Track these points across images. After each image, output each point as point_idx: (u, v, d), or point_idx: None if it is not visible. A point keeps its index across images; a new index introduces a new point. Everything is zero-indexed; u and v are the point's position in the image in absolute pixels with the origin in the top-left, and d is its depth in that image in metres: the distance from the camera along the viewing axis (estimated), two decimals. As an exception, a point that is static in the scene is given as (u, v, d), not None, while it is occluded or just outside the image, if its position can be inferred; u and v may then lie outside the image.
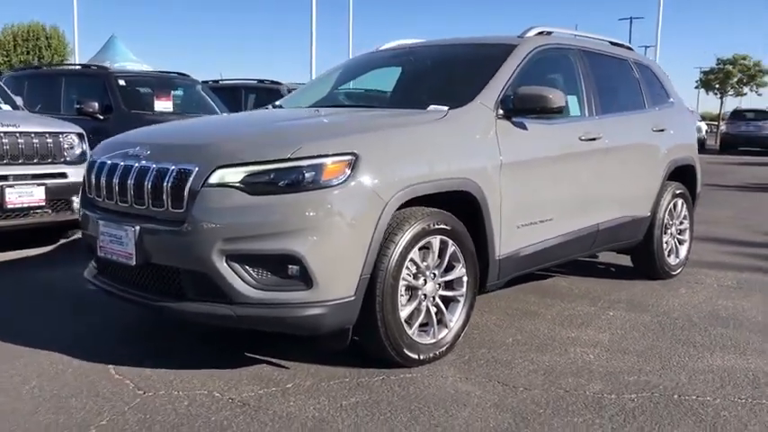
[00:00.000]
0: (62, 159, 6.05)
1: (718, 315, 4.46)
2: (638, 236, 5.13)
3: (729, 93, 47.29)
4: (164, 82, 8.99)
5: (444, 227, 3.37)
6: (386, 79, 4.73)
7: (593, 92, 4.61)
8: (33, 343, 3.62)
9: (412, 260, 3.27)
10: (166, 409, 2.85)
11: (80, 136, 6.29)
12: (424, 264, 3.35)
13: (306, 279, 2.96)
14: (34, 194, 5.76)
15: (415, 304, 3.33)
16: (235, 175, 2.98)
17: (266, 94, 11.01)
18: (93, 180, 3.51)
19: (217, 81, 11.84)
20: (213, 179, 2.99)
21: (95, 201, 3.53)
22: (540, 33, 4.51)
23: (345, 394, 3.04)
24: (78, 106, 8.01)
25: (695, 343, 3.89)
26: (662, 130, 5.24)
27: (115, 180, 3.32)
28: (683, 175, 5.56)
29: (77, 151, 6.23)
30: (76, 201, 5.99)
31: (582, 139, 4.34)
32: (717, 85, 47.92)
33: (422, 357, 3.35)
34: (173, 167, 3.09)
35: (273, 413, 2.84)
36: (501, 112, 3.80)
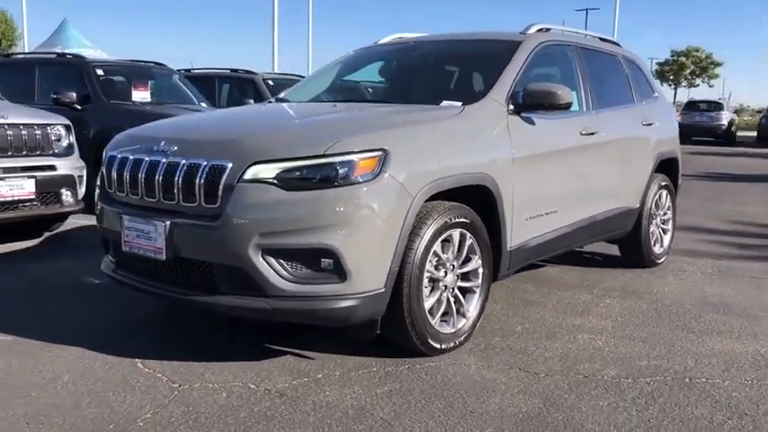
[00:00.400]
0: (50, 152, 5.97)
1: (708, 301, 4.68)
2: (628, 226, 5.32)
3: (683, 84, 48.90)
4: (141, 71, 8.87)
5: (464, 220, 3.48)
6: (391, 73, 4.80)
7: (590, 87, 4.77)
8: (49, 338, 3.61)
9: (435, 252, 3.37)
10: (207, 402, 2.90)
11: (67, 128, 6.20)
12: (445, 256, 3.45)
13: (339, 272, 3.03)
14: (24, 187, 5.67)
15: (437, 295, 3.43)
16: (269, 170, 3.03)
17: (240, 84, 10.95)
18: (115, 175, 3.50)
19: (189, 70, 11.69)
20: (248, 175, 3.03)
21: (116, 195, 3.53)
22: (540, 30, 4.63)
23: (377, 383, 3.14)
24: (55, 96, 7.84)
25: (692, 329, 4.08)
26: (650, 124, 5.44)
27: (141, 175, 3.33)
28: (667, 167, 5.78)
29: (65, 143, 6.15)
30: (65, 193, 5.96)
31: (582, 134, 4.50)
32: (671, 77, 49.50)
33: (443, 347, 3.46)
34: (204, 163, 3.12)
35: (313, 403, 2.92)
36: (511, 107, 3.92)
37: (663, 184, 5.67)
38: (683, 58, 47.92)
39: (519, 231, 3.94)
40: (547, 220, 4.22)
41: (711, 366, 3.46)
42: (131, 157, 3.43)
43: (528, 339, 3.81)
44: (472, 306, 3.64)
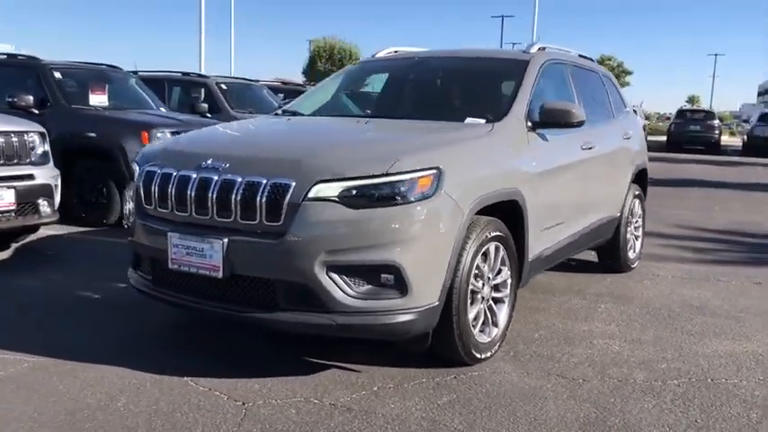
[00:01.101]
0: (28, 160, 5.75)
1: (691, 305, 5.02)
2: (610, 234, 5.63)
3: None
4: (99, 75, 8.58)
5: (499, 233, 3.64)
6: (404, 88, 4.89)
7: (583, 103, 5.03)
8: (81, 356, 3.55)
9: (477, 266, 3.51)
10: (279, 419, 2.94)
11: (42, 135, 5.99)
12: (484, 268, 3.60)
13: (401, 287, 3.12)
14: (4, 198, 5.44)
15: (477, 307, 3.57)
16: (332, 189, 3.09)
17: (192, 87, 10.74)
18: (156, 190, 3.46)
19: (135, 72, 11.35)
20: (312, 193, 3.08)
21: (156, 212, 3.48)
22: (540, 49, 4.86)
23: (433, 394, 3.25)
24: (10, 100, 7.50)
25: (689, 331, 4.40)
26: (629, 137, 5.78)
27: (190, 192, 3.31)
28: (639, 177, 6.14)
29: (40, 151, 5.94)
30: (43, 203, 5.76)
31: (582, 148, 4.75)
32: None
33: (482, 356, 3.61)
34: (265, 181, 3.14)
35: (383, 415, 3.00)
36: (529, 124, 4.11)
37: (636, 193, 6.03)
38: (597, 66, 50.66)
39: (536, 242, 4.14)
40: (556, 230, 4.44)
41: (724, 367, 3.76)
42: (176, 173, 3.40)
43: (550, 346, 4.01)
44: (502, 315, 3.81)
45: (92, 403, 3.04)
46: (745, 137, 29.42)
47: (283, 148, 3.57)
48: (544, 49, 4.96)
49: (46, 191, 5.84)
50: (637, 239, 6.21)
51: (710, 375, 3.62)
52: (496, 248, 3.68)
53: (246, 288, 3.25)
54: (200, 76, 11.03)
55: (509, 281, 3.84)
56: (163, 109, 8.87)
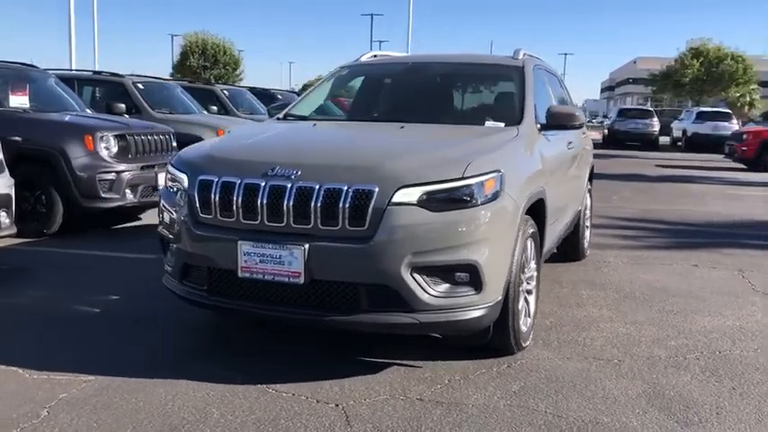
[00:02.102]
0: (-14, 169, 5.34)
1: (655, 287, 5.57)
2: (573, 226, 6.09)
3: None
4: (18, 74, 8.00)
5: (534, 230, 3.92)
6: (409, 92, 5.02)
7: (557, 103, 5.43)
8: (139, 372, 3.46)
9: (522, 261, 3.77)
10: (383, 417, 3.05)
11: (-4, 141, 5.58)
12: (524, 263, 3.86)
13: (476, 284, 3.32)
14: (-31, 210, 5.04)
15: (522, 299, 3.83)
16: (413, 194, 3.23)
17: (106, 87, 10.25)
18: (218, 200, 3.42)
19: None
20: (396, 198, 3.20)
21: (216, 221, 3.44)
22: (524, 54, 5.19)
23: (502, 383, 3.47)
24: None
25: (670, 311, 4.90)
26: (585, 135, 6.27)
27: (262, 200, 3.31)
28: (591, 172, 6.67)
29: (-6, 158, 5.53)
30: (2, 215, 5.40)
31: (568, 148, 5.14)
32: None
33: (525, 345, 3.88)
34: (345, 188, 3.21)
35: (473, 406, 3.19)
36: (538, 126, 4.42)
37: (589, 187, 6.54)
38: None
39: (547, 237, 4.47)
40: (556, 225, 4.80)
41: (720, 341, 4.25)
42: (239, 182, 3.38)
43: (566, 332, 4.34)
44: (532, 306, 4.09)
45: (187, 417, 3.00)
46: (606, 131, 31.85)
47: (356, 155, 3.63)
48: (525, 53, 5.29)
49: (4, 201, 5.46)
50: (587, 230, 6.74)
51: (716, 348, 4.10)
52: (532, 244, 3.95)
53: (326, 292, 3.31)
54: (113, 75, 10.52)
55: (535, 273, 4.13)
56: (89, 110, 8.43)
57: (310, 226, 3.26)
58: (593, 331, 4.37)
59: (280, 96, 16.08)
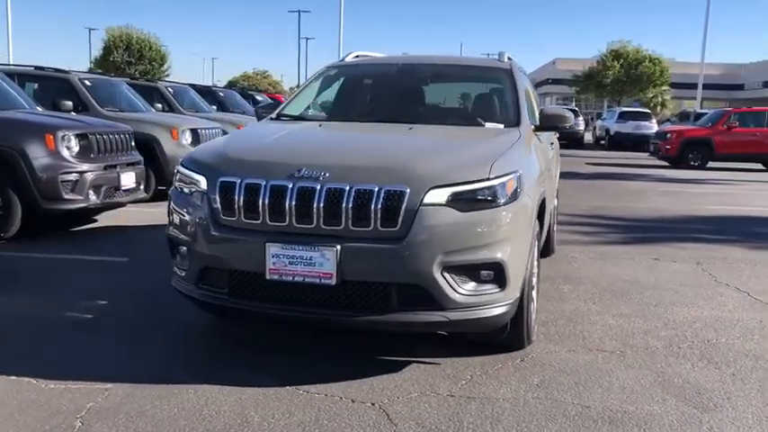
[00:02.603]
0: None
1: (627, 280, 5.83)
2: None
3: None
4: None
5: (538, 229, 4.06)
6: (403, 93, 5.06)
7: (537, 104, 5.62)
8: (162, 376, 3.41)
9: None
10: (423, 414, 3.11)
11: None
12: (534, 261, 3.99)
13: (501, 282, 3.42)
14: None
15: (533, 295, 3.96)
16: (443, 194, 3.29)
17: (51, 84, 9.82)
18: (242, 202, 3.39)
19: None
20: (427, 199, 3.26)
21: (242, 223, 3.40)
22: (507, 57, 5.34)
23: (522, 377, 3.58)
24: None
25: (649, 303, 5.15)
26: (556, 135, 6.49)
27: (290, 202, 3.30)
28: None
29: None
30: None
31: (551, 148, 5.32)
32: None
33: (533, 339, 4.01)
34: (377, 189, 3.25)
35: (503, 399, 3.29)
36: (532, 128, 4.57)
37: (557, 186, 6.78)
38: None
39: (543, 235, 4.62)
40: (548, 223, 4.96)
41: (704, 330, 4.50)
42: (265, 183, 3.36)
43: (562, 325, 4.50)
44: (535, 302, 4.23)
45: (229, 422, 2.97)
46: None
47: (383, 156, 3.65)
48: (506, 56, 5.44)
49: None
50: (555, 226, 6.97)
51: (703, 338, 4.34)
52: (536, 242, 4.08)
53: (357, 293, 3.33)
54: (57, 71, 10.09)
55: (537, 270, 4.27)
56: (39, 108, 8.09)
57: (341, 227, 3.28)
58: (587, 324, 4.54)
59: (221, 94, 15.83)
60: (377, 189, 3.26)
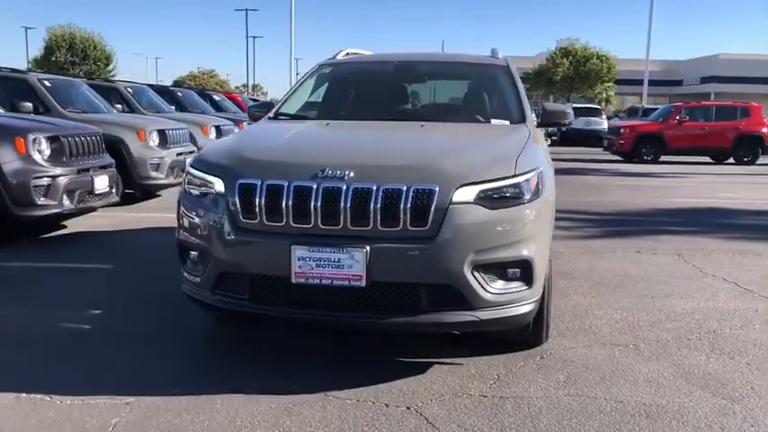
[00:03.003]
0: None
1: (618, 274, 5.90)
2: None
3: None
4: None
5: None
6: (402, 91, 5.00)
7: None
8: (176, 390, 3.27)
9: (547, 256, 3.89)
10: (462, 416, 3.07)
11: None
12: (548, 257, 3.99)
13: (528, 280, 3.39)
14: None
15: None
16: (471, 192, 3.25)
17: (7, 84, 9.39)
18: (264, 204, 3.27)
19: None
20: (456, 197, 3.21)
21: (264, 226, 3.29)
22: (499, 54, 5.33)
23: (548, 374, 3.57)
24: None
25: (646, 296, 5.21)
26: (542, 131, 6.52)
27: (315, 203, 3.21)
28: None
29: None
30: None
31: (548, 144, 5.33)
32: None
33: (549, 335, 4.01)
34: (405, 188, 3.18)
35: (536, 398, 3.27)
36: (535, 123, 4.57)
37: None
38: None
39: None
40: None
41: (707, 321, 4.57)
42: (288, 184, 3.25)
43: (569, 320, 4.52)
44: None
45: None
46: None
47: (409, 155, 3.58)
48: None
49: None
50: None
51: (707, 329, 4.41)
52: None
53: (386, 294, 3.26)
54: (14, 70, 9.68)
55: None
56: (0, 109, 7.74)
57: (369, 228, 3.20)
58: (593, 318, 4.57)
59: (179, 94, 15.46)
60: (405, 188, 3.19)
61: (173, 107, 13.99)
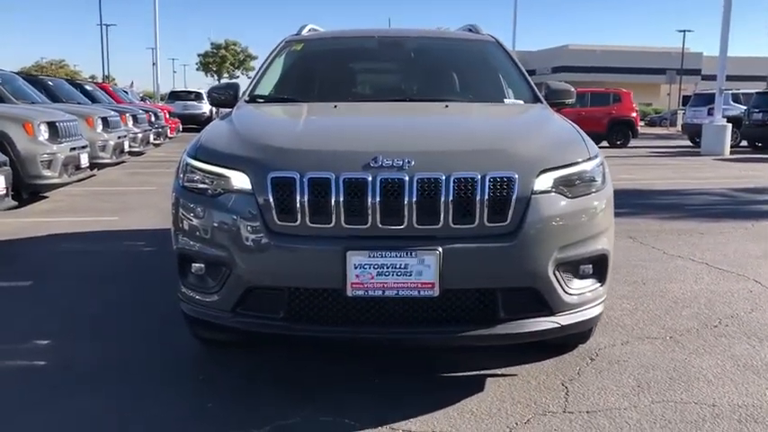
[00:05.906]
0: None
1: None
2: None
3: (225, 75, 51.71)
4: None
5: None
6: (394, 68, 4.44)
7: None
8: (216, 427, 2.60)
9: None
10: (566, 430, 2.63)
11: None
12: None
13: (602, 276, 3.01)
14: None
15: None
16: (549, 179, 2.82)
17: None
18: (306, 201, 2.66)
19: None
20: (537, 186, 2.76)
21: (307, 229, 2.67)
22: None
23: (615, 380, 3.21)
24: None
25: (639, 281, 5.01)
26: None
27: (373, 199, 2.64)
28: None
29: None
30: None
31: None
32: (214, 68, 51.82)
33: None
34: (479, 176, 2.68)
35: (621, 408, 2.91)
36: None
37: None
38: (224, 51, 51.01)
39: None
40: None
41: (720, 306, 4.40)
42: (336, 177, 2.66)
43: (586, 315, 4.21)
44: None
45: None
46: None
47: (475, 137, 3.05)
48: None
49: None
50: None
51: (724, 314, 4.25)
52: None
53: (459, 304, 2.75)
54: None
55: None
56: None
57: (439, 225, 2.67)
58: (611, 311, 4.25)
59: (50, 83, 13.87)
60: (479, 177, 2.69)
61: (44, 98, 12.51)
